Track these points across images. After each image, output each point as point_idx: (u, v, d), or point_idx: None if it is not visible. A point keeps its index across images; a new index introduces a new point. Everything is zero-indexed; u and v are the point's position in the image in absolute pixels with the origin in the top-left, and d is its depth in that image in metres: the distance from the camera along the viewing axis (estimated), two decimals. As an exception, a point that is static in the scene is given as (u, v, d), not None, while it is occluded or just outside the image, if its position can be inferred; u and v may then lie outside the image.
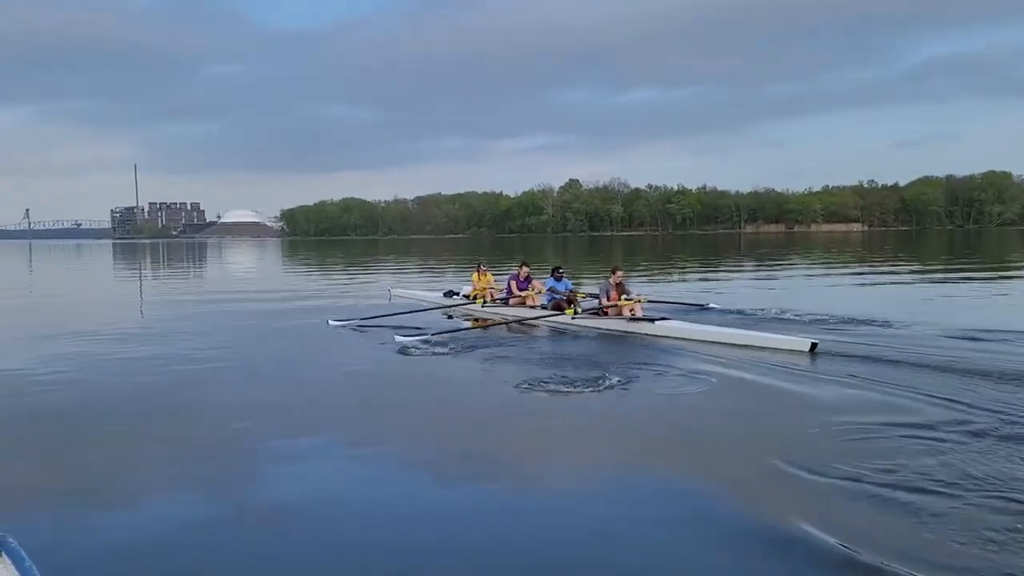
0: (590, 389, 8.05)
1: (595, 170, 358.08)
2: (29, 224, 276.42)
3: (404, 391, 8.69)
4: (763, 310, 14.20)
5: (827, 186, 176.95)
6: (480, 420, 7.39)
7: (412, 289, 19.89)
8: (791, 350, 9.96)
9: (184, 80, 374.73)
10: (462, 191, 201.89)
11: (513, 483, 5.59)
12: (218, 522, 4.81)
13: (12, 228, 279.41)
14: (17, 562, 2.39)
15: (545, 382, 8.40)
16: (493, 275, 16.40)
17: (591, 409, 7.52)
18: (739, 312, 14.17)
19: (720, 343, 10.75)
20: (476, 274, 15.98)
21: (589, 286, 17.49)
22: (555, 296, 14.14)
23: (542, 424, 7.09)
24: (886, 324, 12.03)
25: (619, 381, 8.32)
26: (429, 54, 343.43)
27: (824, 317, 12.98)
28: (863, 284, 24.09)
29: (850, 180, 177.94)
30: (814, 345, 9.85)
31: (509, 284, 15.14)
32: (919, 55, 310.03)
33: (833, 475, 5.19)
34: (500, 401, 7.99)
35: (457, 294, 16.29)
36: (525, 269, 15.10)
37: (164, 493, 5.37)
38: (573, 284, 15.01)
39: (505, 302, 14.90)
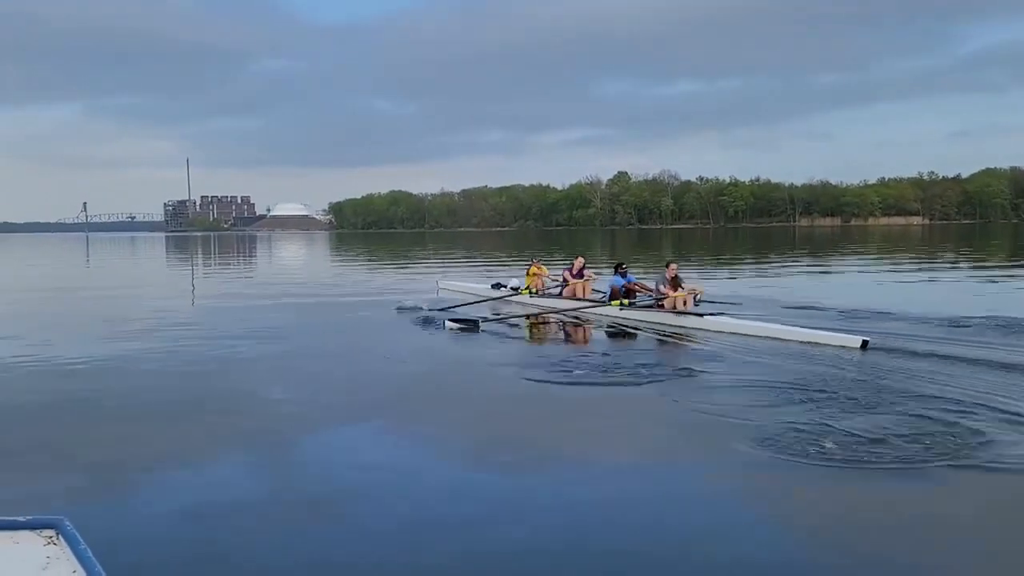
0: (631, 383, 8.24)
1: (637, 162, 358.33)
2: (86, 217, 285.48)
3: (451, 379, 9.02)
4: (817, 306, 14.20)
5: (883, 178, 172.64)
6: (524, 410, 7.56)
7: (459, 281, 20.30)
8: (842, 347, 9.98)
9: (232, 75, 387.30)
10: (507, 184, 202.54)
11: (549, 470, 5.71)
12: (269, 502, 5.01)
13: (70, 221, 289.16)
14: (73, 545, 2.44)
15: (581, 373, 8.64)
16: (547, 270, 16.79)
17: (631, 403, 7.70)
18: (791, 307, 14.17)
19: (770, 338, 10.81)
20: (532, 268, 16.36)
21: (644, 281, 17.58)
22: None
23: (579, 416, 7.26)
24: (940, 321, 11.95)
25: (665, 375, 8.50)
26: (472, 47, 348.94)
27: (877, 313, 12.99)
28: (922, 279, 23.67)
29: (903, 172, 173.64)
30: (865, 342, 9.86)
31: (563, 276, 15.47)
32: (975, 43, 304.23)
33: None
34: (538, 391, 8.18)
35: (504, 286, 16.66)
36: (580, 261, 15.55)
37: (217, 474, 5.63)
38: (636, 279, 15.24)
39: (559, 294, 15.20)
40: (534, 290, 15.70)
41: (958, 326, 11.45)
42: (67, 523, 2.54)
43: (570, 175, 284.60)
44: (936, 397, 7.04)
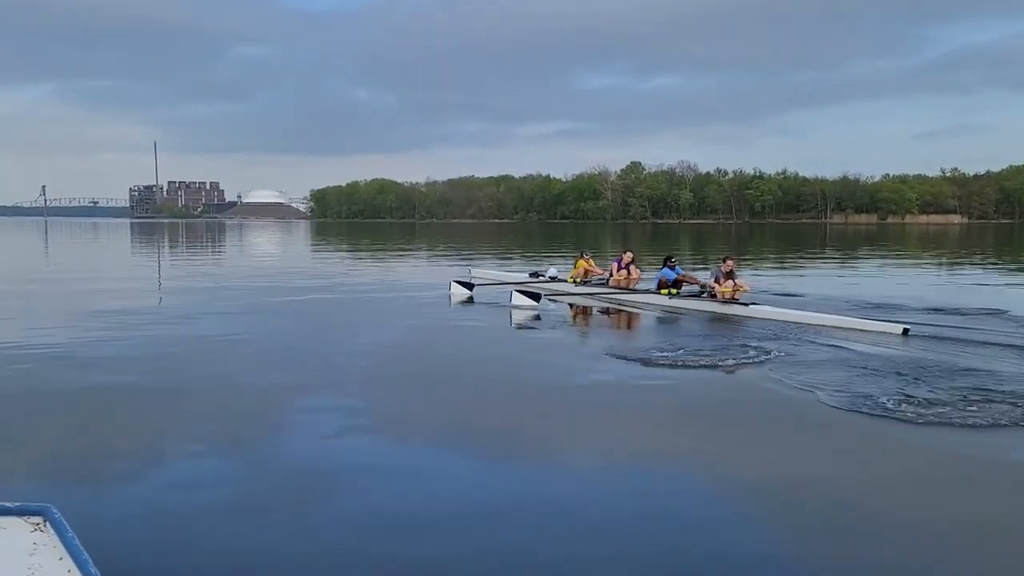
0: (687, 367, 9.64)
1: (614, 156, 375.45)
2: (45, 201, 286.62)
3: (503, 363, 10.13)
4: (856, 301, 15.71)
5: (889, 174, 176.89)
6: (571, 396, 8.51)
7: (493, 271, 21.86)
8: (883, 333, 11.56)
9: (211, 60, 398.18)
10: (494, 175, 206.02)
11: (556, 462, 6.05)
12: (254, 489, 5.34)
13: (28, 205, 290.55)
14: (61, 533, 2.60)
15: (639, 357, 9.86)
16: (595, 264, 18.47)
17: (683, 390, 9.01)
18: (831, 301, 15.61)
19: (812, 325, 12.25)
20: (580, 260, 18.04)
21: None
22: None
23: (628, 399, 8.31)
24: (973, 312, 13.58)
25: (724, 361, 9.76)
26: (452, 37, 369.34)
27: (917, 307, 14.49)
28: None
29: (872, 171, 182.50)
30: (906, 330, 11.40)
31: (611, 268, 17.25)
32: (944, 46, 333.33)
33: None
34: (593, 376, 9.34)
35: (542, 275, 18.26)
36: (628, 255, 17.52)
37: (202, 461, 5.98)
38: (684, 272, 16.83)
39: (604, 284, 16.96)
40: (578, 280, 17.27)
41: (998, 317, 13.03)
42: (54, 510, 2.73)
43: (547, 167, 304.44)
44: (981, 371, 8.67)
